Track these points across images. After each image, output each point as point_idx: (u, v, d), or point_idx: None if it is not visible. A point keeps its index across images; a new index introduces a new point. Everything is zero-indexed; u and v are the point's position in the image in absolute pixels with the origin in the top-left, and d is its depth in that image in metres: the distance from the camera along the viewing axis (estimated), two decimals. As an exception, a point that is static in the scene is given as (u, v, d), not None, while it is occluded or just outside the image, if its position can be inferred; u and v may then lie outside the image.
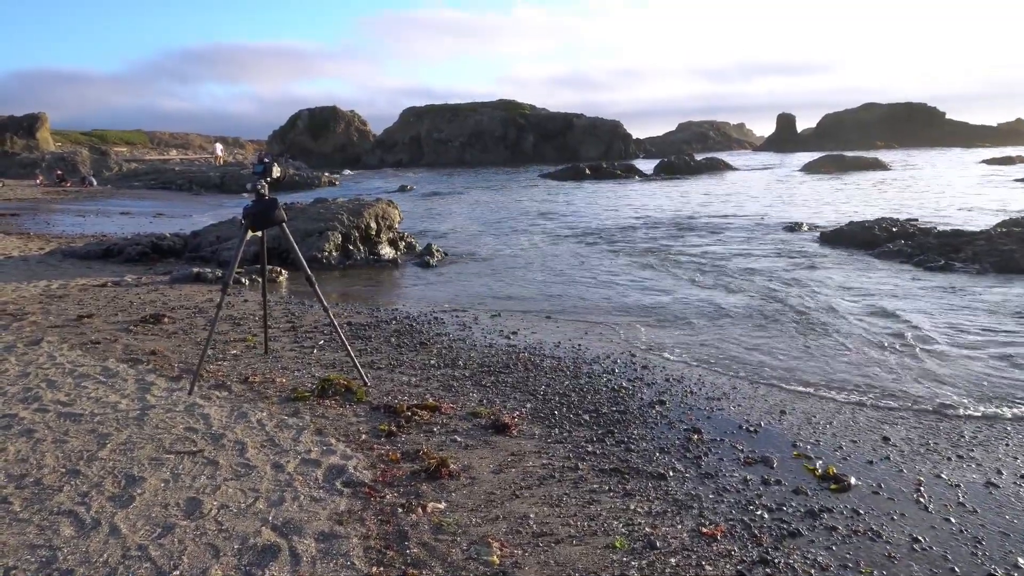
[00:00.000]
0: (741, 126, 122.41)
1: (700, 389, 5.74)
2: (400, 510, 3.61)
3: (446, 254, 13.66)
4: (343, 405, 5.23)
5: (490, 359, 6.57)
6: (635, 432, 4.77)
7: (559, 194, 31.26)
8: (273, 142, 78.16)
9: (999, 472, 4.16)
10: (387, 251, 13.27)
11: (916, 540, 3.39)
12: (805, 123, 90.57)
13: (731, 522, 3.54)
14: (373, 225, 13.09)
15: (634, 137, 76.90)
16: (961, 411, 5.19)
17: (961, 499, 3.81)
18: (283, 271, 11.15)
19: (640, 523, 3.51)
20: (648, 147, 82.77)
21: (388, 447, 4.44)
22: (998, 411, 5.17)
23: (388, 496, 3.77)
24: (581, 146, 69.19)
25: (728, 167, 48.02)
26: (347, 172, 55.52)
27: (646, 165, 50.42)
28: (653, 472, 4.13)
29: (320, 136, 75.99)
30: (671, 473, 4.12)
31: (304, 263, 5.42)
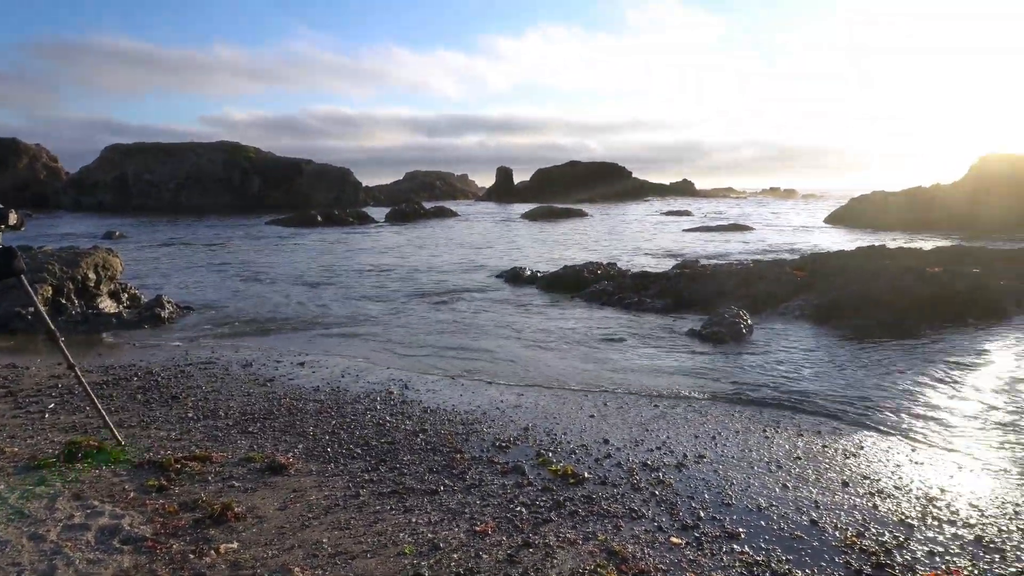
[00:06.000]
0: (464, 176, 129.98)
1: (456, 416, 6.42)
2: (192, 556, 3.68)
3: (178, 306, 12.86)
4: (98, 467, 4.95)
5: (251, 407, 6.59)
6: (405, 458, 5.27)
7: (291, 241, 30.64)
8: (-74, 178, 64.70)
9: (685, 455, 5.42)
10: (108, 304, 12.13)
11: (634, 512, 4.37)
12: (520, 176, 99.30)
13: (497, 520, 4.21)
14: (92, 276, 11.89)
15: (364, 185, 77.67)
16: (650, 406, 6.55)
17: (662, 478, 4.94)
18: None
19: (423, 531, 4.02)
20: (377, 195, 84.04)
21: (162, 500, 4.38)
22: (676, 401, 6.63)
23: (175, 546, 3.80)
24: (311, 192, 68.08)
25: (455, 214, 51.00)
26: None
27: (377, 212, 51.38)
28: (426, 489, 4.67)
29: (-6, 173, 64.84)
30: (442, 488, 4.69)
31: (47, 318, 5.06)
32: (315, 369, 8.34)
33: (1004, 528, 4.22)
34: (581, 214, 49.73)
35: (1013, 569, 3.73)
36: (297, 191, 67.74)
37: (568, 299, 14.19)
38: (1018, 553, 3.91)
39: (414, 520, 4.18)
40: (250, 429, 5.92)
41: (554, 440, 5.78)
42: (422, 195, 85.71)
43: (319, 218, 42.43)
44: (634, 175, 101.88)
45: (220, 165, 67.39)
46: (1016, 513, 4.43)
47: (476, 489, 4.70)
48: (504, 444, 5.65)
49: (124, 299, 12.76)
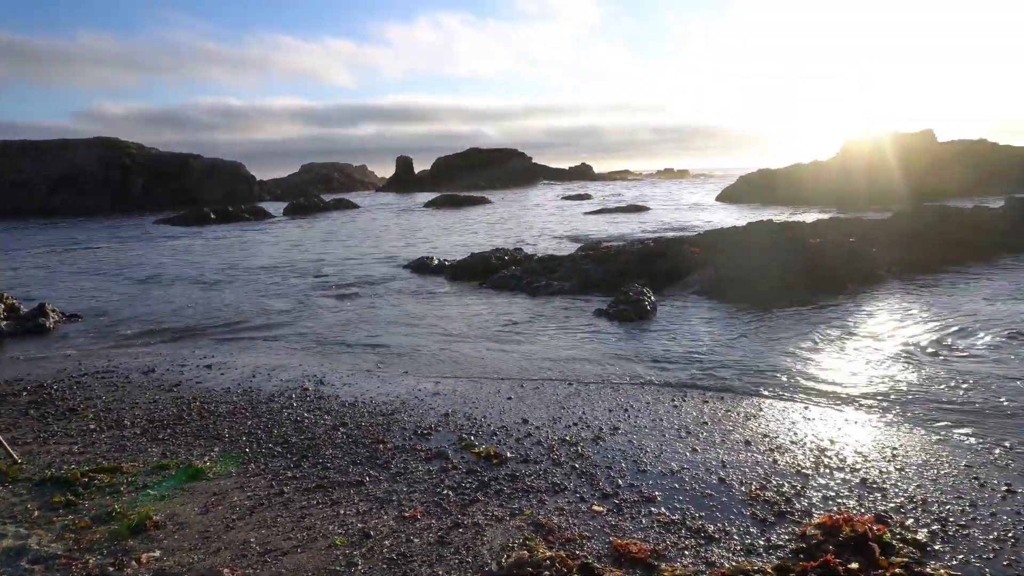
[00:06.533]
0: (363, 167, 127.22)
1: (375, 408, 6.42)
2: (112, 568, 3.56)
3: (64, 314, 12.08)
4: (-7, 488, 4.66)
5: (159, 413, 6.35)
6: (327, 452, 5.25)
7: (184, 240, 29.19)
8: None
9: (601, 429, 5.67)
10: (-17, 317, 11.22)
11: (557, 485, 4.55)
12: (420, 165, 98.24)
13: (426, 504, 4.29)
14: (-38, 288, 10.96)
15: (258, 179, 74.69)
16: (564, 385, 6.79)
17: (581, 451, 5.15)
18: None
19: (352, 522, 4.05)
20: (273, 189, 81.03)
21: (72, 516, 4.19)
22: (585, 382, 6.90)
23: (92, 560, 3.66)
24: (201, 189, 64.77)
25: (356, 206, 50.03)
26: None
27: (274, 207, 49.62)
28: (352, 481, 4.68)
29: None
30: (368, 479, 4.72)
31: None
32: (224, 371, 8.09)
33: (884, 469, 4.69)
34: (484, 201, 49.90)
35: (892, 504, 4.17)
36: (185, 188, 64.33)
37: (477, 286, 14.31)
38: (896, 490, 4.36)
39: (342, 512, 4.20)
40: (160, 436, 5.71)
41: (475, 424, 5.89)
42: (320, 188, 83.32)
43: (212, 215, 40.53)
44: (533, 160, 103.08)
45: (97, 163, 63.00)
46: (893, 456, 4.92)
47: (402, 477, 4.75)
48: (426, 431, 5.72)
49: (0, 310, 11.84)
